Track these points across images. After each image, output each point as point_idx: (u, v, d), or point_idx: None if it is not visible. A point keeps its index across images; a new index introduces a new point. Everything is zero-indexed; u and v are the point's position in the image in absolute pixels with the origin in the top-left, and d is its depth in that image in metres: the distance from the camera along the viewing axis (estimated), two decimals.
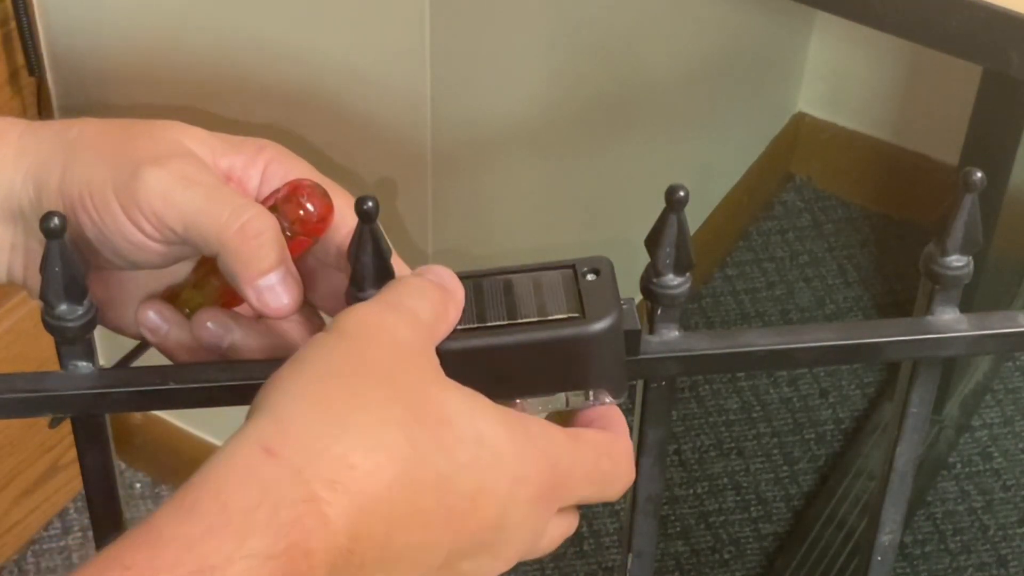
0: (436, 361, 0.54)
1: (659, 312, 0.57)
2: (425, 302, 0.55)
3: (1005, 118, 1.53)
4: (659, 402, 0.59)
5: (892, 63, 1.92)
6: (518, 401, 0.57)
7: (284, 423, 0.50)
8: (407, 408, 0.51)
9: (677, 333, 0.57)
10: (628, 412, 0.60)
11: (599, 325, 0.55)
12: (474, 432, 0.52)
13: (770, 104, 1.96)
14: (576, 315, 0.56)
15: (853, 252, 1.95)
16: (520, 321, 0.56)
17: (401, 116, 1.23)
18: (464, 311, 0.56)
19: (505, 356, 0.56)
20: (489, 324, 0.55)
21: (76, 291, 0.52)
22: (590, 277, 0.57)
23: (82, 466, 0.56)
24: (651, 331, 0.57)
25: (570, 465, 0.55)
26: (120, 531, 0.59)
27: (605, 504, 1.68)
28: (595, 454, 0.56)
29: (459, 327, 0.55)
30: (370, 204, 0.52)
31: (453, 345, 0.55)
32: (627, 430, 0.58)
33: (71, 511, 1.64)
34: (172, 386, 0.53)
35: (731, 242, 1.94)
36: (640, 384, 0.59)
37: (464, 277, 0.58)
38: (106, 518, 0.58)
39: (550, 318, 0.56)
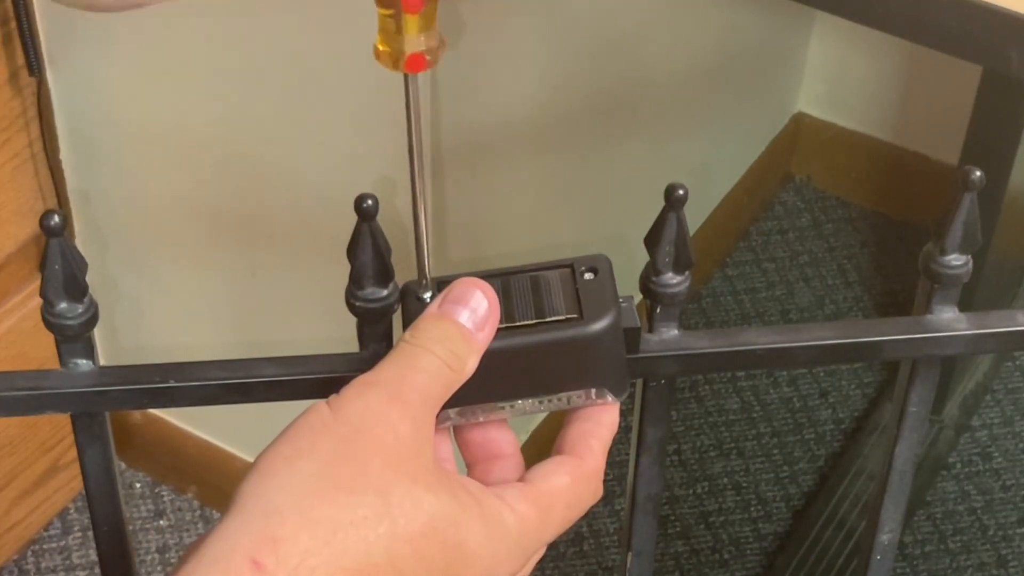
0: (430, 456, 0.55)
1: (658, 311, 0.57)
2: (439, 367, 0.55)
3: (1005, 118, 1.53)
4: (658, 401, 0.59)
5: (892, 63, 1.92)
6: (519, 402, 0.57)
7: (274, 532, 0.51)
8: (394, 522, 0.53)
9: (676, 332, 0.57)
10: (628, 411, 0.60)
11: (597, 326, 0.56)
12: (455, 540, 0.54)
13: (770, 104, 1.96)
14: (574, 316, 0.56)
15: (853, 252, 1.95)
16: (518, 324, 0.56)
17: (401, 116, 1.23)
18: None
19: (504, 359, 0.56)
20: None
21: (76, 289, 0.51)
22: (588, 276, 0.57)
23: (82, 464, 0.56)
24: (650, 330, 0.57)
25: (542, 538, 0.58)
26: (120, 531, 0.59)
27: (605, 504, 1.68)
28: (564, 508, 0.58)
29: None
30: (369, 202, 0.52)
31: None
32: (612, 429, 0.58)
33: (71, 511, 1.64)
34: (172, 384, 0.53)
35: (731, 242, 1.94)
36: (639, 383, 0.59)
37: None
38: (106, 517, 0.58)
39: (548, 320, 0.56)
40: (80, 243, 1.54)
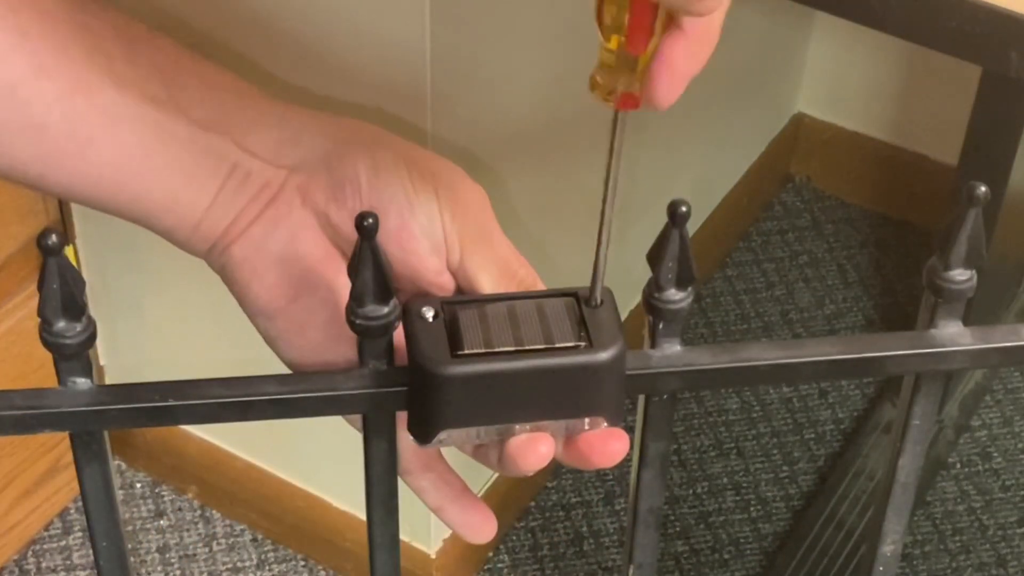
0: None
1: (661, 327, 0.57)
2: None
3: (1005, 118, 1.53)
4: (660, 416, 0.59)
5: (892, 63, 1.92)
6: (516, 427, 0.57)
7: None
8: None
9: (679, 348, 0.57)
10: (629, 428, 0.60)
11: (606, 354, 0.56)
12: None
13: (770, 104, 1.96)
14: (583, 343, 0.56)
15: (853, 252, 1.95)
16: (527, 348, 0.56)
17: (401, 116, 1.23)
18: (470, 335, 0.56)
19: (511, 382, 0.56)
20: (496, 350, 0.55)
21: (74, 308, 0.51)
22: (593, 306, 0.57)
23: (80, 482, 0.56)
24: (653, 345, 0.57)
25: None
26: (119, 546, 0.59)
27: (605, 503, 1.68)
28: None
29: (466, 352, 0.55)
30: (370, 221, 0.52)
31: (461, 370, 0.55)
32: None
33: (72, 511, 1.64)
34: (172, 403, 0.53)
35: (731, 242, 1.94)
36: (641, 399, 0.59)
37: (467, 302, 0.57)
38: (105, 532, 0.58)
39: (557, 346, 0.56)
40: (80, 244, 1.54)
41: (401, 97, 1.21)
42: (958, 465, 1.73)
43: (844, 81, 1.95)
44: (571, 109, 1.43)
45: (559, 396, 0.56)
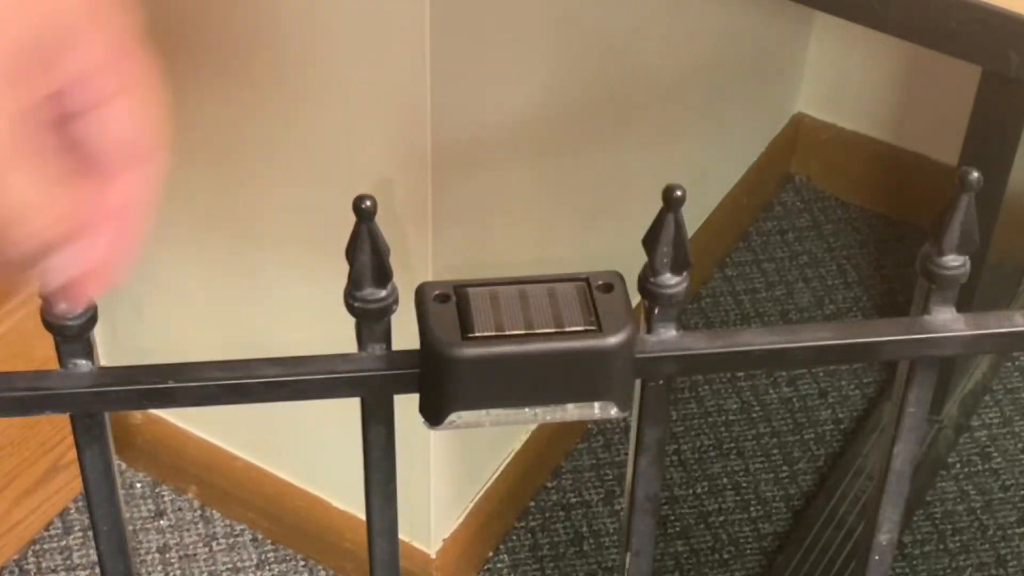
0: None
1: (656, 311, 0.57)
2: None
3: (1005, 118, 1.53)
4: (657, 401, 0.59)
5: (892, 63, 1.92)
6: (527, 410, 0.58)
7: None
8: None
9: (675, 332, 0.58)
10: (627, 420, 0.60)
11: (616, 338, 0.56)
12: None
13: (769, 105, 1.96)
14: (593, 328, 0.56)
15: (853, 252, 1.96)
16: (538, 331, 0.56)
17: (401, 116, 1.23)
18: (481, 318, 0.56)
19: (522, 365, 0.56)
20: (507, 333, 0.56)
21: None
22: (603, 291, 0.58)
23: (81, 465, 0.56)
24: (649, 330, 0.58)
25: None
26: (120, 531, 0.59)
27: (605, 504, 1.68)
28: None
29: (477, 334, 0.56)
30: (368, 203, 0.52)
31: (472, 352, 0.55)
32: None
33: (72, 511, 1.65)
34: (172, 384, 0.54)
35: (730, 242, 1.94)
36: (638, 384, 0.59)
37: (478, 285, 0.58)
38: (105, 517, 0.58)
39: (567, 329, 0.56)
40: None
41: (401, 97, 1.22)
42: (958, 465, 1.73)
43: (844, 81, 1.95)
44: (571, 108, 1.44)
45: (569, 379, 0.57)
